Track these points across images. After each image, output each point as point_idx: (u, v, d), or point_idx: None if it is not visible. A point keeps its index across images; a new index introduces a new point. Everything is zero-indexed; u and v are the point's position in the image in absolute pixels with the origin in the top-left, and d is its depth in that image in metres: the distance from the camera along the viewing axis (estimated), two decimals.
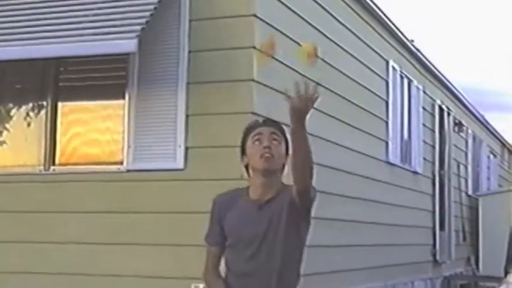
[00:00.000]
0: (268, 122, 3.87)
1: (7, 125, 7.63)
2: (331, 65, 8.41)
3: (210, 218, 3.87)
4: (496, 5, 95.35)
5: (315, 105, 3.37)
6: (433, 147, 13.25)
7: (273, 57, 4.71)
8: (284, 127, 3.74)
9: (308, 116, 3.37)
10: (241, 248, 3.76)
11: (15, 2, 7.10)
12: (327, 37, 8.29)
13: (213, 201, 3.88)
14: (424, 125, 12.47)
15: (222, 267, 3.83)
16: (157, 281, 6.56)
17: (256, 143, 3.75)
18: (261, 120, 3.90)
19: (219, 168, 6.44)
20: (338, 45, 8.67)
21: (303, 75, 7.58)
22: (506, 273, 9.65)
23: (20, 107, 7.58)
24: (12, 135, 7.59)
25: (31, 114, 7.48)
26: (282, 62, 7.11)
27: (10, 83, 7.74)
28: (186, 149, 6.62)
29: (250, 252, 3.74)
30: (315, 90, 3.39)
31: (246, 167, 3.83)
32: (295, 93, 3.36)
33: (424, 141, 12.52)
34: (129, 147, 6.83)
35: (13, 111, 7.62)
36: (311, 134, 8.00)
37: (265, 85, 6.76)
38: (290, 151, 3.66)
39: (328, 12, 8.37)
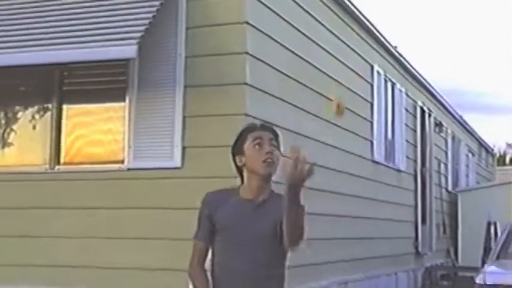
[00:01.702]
0: (266, 126, 3.74)
1: (15, 127, 7.60)
2: (319, 69, 8.42)
3: (199, 214, 3.75)
4: (476, 11, 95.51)
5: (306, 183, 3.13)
6: (415, 146, 13.25)
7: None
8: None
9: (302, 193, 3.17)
10: (239, 245, 3.66)
11: (20, 11, 7.09)
12: (315, 42, 8.30)
13: (202, 199, 3.75)
14: (406, 125, 12.47)
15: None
16: (156, 272, 6.55)
17: (257, 147, 3.63)
18: (258, 123, 3.77)
19: (214, 167, 6.41)
20: (326, 50, 8.66)
21: (292, 78, 7.60)
22: (483, 263, 9.62)
23: (26, 109, 7.56)
24: (20, 137, 7.57)
25: (37, 116, 7.46)
26: (272, 66, 7.12)
27: (17, 87, 7.70)
28: (183, 148, 6.60)
29: (249, 249, 3.65)
30: (310, 169, 3.11)
31: (239, 166, 3.70)
32: (291, 167, 3.08)
33: (407, 141, 12.52)
34: (129, 147, 6.81)
35: (20, 114, 7.60)
36: (302, 135, 8.00)
37: (257, 88, 6.75)
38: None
39: (316, 19, 8.36)
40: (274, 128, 3.73)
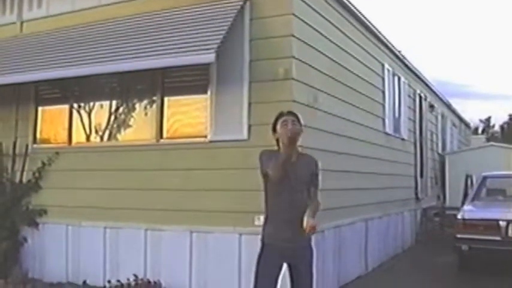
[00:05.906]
0: (290, 113, 4.11)
1: (133, 114, 7.43)
2: (346, 68, 8.02)
3: (260, 161, 4.14)
4: (461, 18, 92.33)
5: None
6: (415, 121, 12.71)
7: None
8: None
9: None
10: (283, 185, 4.00)
11: (129, 32, 6.92)
12: (343, 49, 7.91)
13: (260, 153, 4.18)
14: (408, 107, 11.95)
15: None
16: (229, 214, 6.34)
17: (284, 126, 4.00)
18: (285, 111, 4.14)
19: (270, 138, 6.07)
20: (351, 54, 8.26)
21: (325, 74, 7.22)
22: (463, 204, 9.35)
23: (140, 101, 7.37)
24: (136, 120, 7.38)
25: (147, 106, 7.28)
26: (310, 65, 6.78)
27: (134, 86, 7.50)
28: (249, 126, 6.33)
29: (288, 187, 4.02)
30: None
31: (277, 140, 4.12)
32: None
33: (409, 118, 12.01)
34: (211, 126, 6.57)
35: (137, 105, 7.42)
36: (335, 115, 7.65)
37: (301, 82, 6.42)
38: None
39: (344, 33, 7.97)
40: (295, 112, 4.14)
